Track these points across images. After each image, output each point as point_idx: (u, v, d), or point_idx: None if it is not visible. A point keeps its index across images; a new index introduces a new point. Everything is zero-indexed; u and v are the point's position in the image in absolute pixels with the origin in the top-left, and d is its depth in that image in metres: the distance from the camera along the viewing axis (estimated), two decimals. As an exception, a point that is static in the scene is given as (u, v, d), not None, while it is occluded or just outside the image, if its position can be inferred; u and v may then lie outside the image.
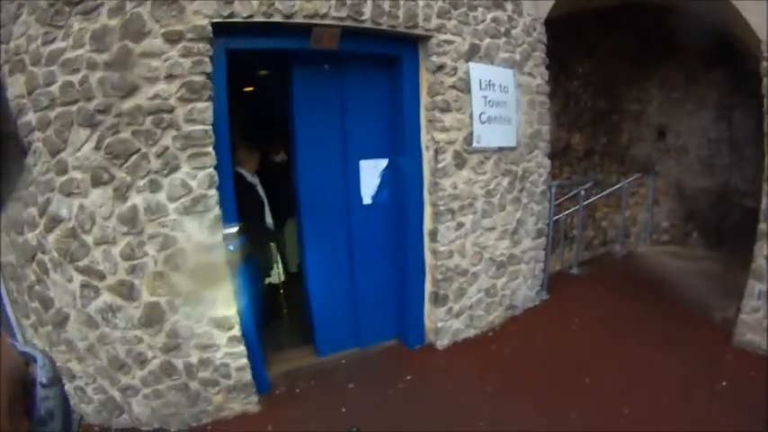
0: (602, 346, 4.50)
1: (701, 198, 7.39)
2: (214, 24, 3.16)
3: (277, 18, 3.35)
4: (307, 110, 4.11)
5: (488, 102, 4.38)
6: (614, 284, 6.00)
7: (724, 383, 3.85)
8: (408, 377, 4.10)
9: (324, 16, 3.51)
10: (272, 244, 5.23)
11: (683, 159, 7.52)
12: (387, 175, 4.47)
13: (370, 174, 4.42)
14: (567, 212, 6.40)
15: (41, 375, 0.54)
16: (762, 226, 4.24)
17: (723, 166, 7.16)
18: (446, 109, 4.18)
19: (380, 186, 4.46)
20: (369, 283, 4.57)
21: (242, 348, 3.52)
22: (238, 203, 3.60)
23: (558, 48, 6.10)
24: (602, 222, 7.61)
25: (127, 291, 3.18)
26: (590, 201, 6.68)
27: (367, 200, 4.43)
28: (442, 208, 4.30)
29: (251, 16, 3.26)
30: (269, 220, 5.00)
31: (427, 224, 4.42)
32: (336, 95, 4.20)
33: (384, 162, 4.45)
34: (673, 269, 6.56)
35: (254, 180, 4.79)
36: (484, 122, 4.37)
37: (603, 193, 6.94)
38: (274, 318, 5.18)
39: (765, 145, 4.23)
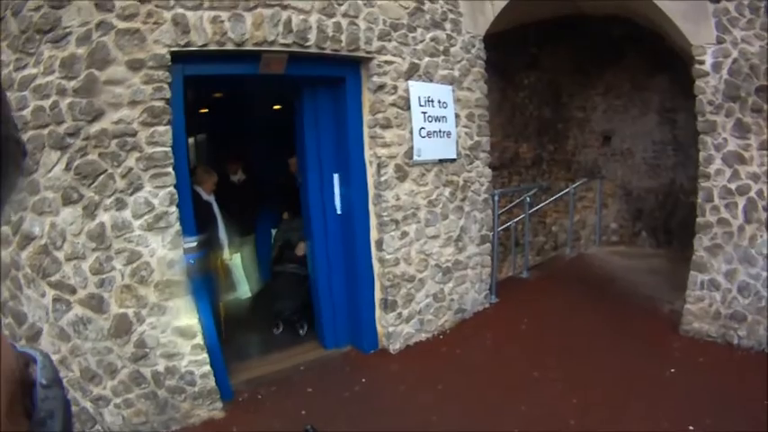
0: (550, 343, 5.18)
1: (648, 198, 8.31)
2: (172, 53, 3.80)
3: (229, 46, 4.03)
4: (309, 130, 5.04)
5: (428, 117, 5.14)
6: (564, 285, 6.78)
7: (673, 371, 4.49)
8: (363, 380, 4.69)
9: (272, 43, 4.20)
10: (229, 262, 5.81)
11: (628, 162, 8.45)
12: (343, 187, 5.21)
13: (339, 186, 5.19)
14: (516, 219, 7.17)
15: (41, 376, 0.55)
16: (699, 219, 4.99)
17: (668, 167, 8.10)
18: (387, 125, 4.93)
19: (342, 198, 5.20)
20: (339, 289, 5.33)
21: (205, 356, 4.08)
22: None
23: (502, 61, 6.91)
24: (552, 227, 8.45)
25: (97, 303, 3.71)
26: (538, 207, 7.48)
27: (339, 210, 5.21)
28: (386, 218, 5.00)
29: (205, 45, 3.92)
30: (222, 237, 5.59)
31: (373, 234, 5.13)
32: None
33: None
34: (622, 267, 7.38)
35: (210, 199, 5.38)
36: (424, 137, 5.12)
37: (550, 200, 7.78)
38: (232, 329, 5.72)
39: (700, 143, 4.96)
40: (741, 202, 4.77)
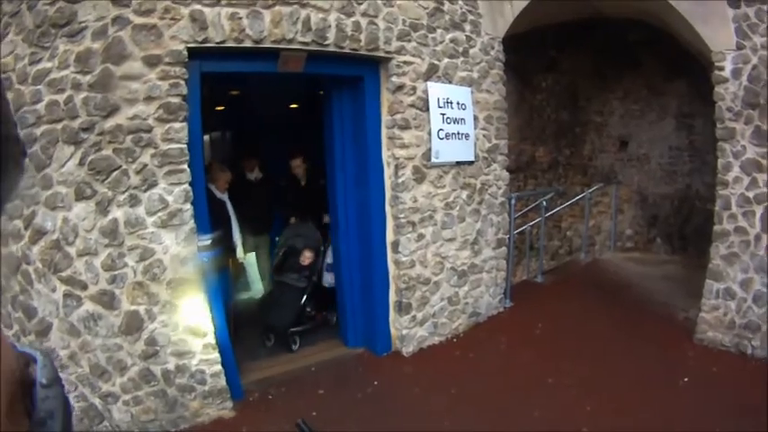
0: (564, 348, 5.04)
1: (664, 204, 8.09)
2: (189, 49, 3.68)
3: (247, 43, 3.90)
4: (337, 130, 5.01)
5: (446, 119, 4.99)
6: (578, 291, 6.60)
7: (686, 379, 4.36)
8: (376, 382, 4.57)
9: (291, 41, 4.07)
10: (243, 261, 5.69)
11: (645, 168, 8.23)
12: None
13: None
14: (531, 223, 7.00)
15: (41, 376, 0.55)
16: (716, 228, 4.84)
17: (685, 173, 7.87)
18: (405, 126, 4.78)
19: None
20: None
21: (216, 355, 3.97)
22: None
23: (521, 63, 6.74)
24: (567, 232, 8.26)
25: (108, 300, 3.61)
26: (553, 212, 7.30)
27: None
28: (402, 220, 4.85)
29: (223, 41, 3.79)
30: (236, 236, 5.46)
31: (390, 236, 4.98)
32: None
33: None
34: (636, 273, 7.18)
35: (224, 197, 5.25)
36: (442, 139, 4.97)
37: (566, 204, 7.58)
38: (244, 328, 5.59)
39: (718, 150, 4.81)
40: (759, 210, 4.63)
